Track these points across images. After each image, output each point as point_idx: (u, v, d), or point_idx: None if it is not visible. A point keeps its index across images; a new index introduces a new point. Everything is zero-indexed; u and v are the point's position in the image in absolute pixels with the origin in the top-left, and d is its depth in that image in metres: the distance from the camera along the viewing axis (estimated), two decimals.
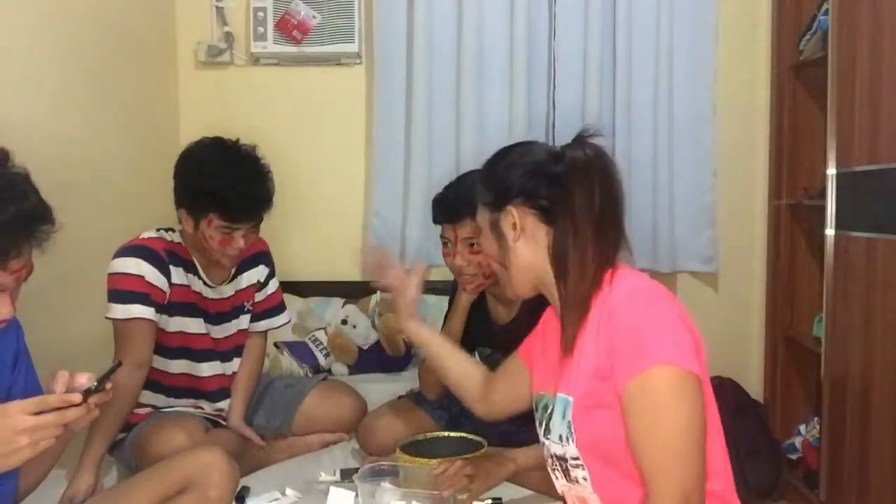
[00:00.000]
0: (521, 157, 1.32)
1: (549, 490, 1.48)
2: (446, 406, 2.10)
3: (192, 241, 1.93)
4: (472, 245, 1.82)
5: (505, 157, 1.35)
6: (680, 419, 1.08)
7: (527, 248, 1.28)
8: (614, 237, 1.25)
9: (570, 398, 1.22)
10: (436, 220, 1.91)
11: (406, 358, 2.77)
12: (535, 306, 1.63)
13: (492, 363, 2.04)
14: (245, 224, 1.88)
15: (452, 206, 1.84)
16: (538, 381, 1.38)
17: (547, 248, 1.27)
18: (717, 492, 1.21)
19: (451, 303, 2.09)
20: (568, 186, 1.24)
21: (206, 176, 1.83)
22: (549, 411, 1.29)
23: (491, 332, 2.00)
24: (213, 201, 1.82)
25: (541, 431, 1.31)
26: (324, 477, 1.88)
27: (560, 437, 1.23)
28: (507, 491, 1.70)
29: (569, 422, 1.21)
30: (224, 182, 1.81)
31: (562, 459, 1.24)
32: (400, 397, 2.21)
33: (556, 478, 1.30)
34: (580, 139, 1.28)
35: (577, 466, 1.22)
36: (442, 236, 1.90)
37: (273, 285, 2.18)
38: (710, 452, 1.16)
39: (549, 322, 1.40)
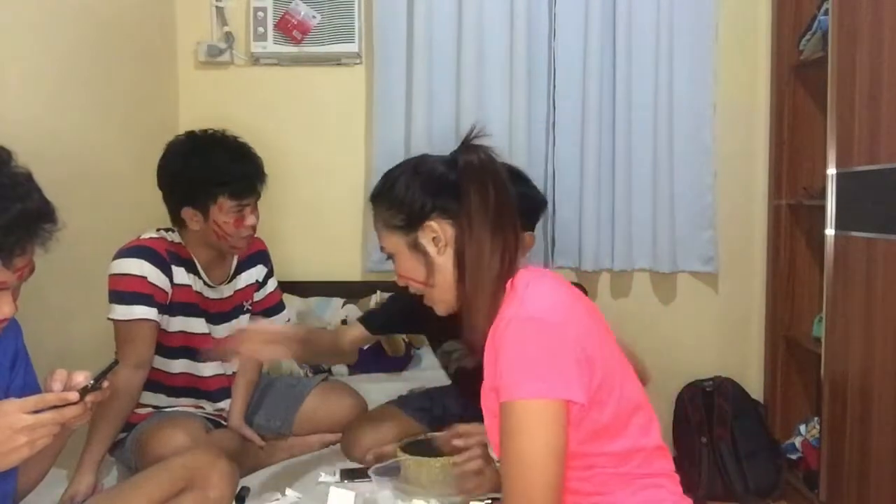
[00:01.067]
0: (420, 172, 1.32)
1: None
2: (428, 408, 2.10)
3: (197, 239, 1.94)
4: None
5: (401, 177, 1.34)
6: (529, 449, 1.13)
7: (451, 259, 1.28)
8: (512, 240, 1.27)
9: (482, 408, 1.28)
10: None
11: (406, 358, 2.77)
12: None
13: (457, 358, 2.03)
14: (251, 198, 1.91)
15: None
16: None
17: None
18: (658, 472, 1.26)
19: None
20: (464, 189, 1.25)
21: (201, 164, 1.86)
22: None
23: (456, 326, 1.96)
24: (218, 184, 1.85)
25: None
26: (324, 477, 1.88)
27: (490, 444, 1.30)
28: None
29: (486, 429, 1.28)
30: (221, 162, 1.86)
31: (497, 461, 1.28)
32: (392, 400, 2.19)
33: None
34: (468, 142, 1.30)
35: None
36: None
37: (272, 284, 2.19)
38: (631, 437, 1.23)
39: None
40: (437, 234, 1.28)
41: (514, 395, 1.14)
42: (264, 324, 2.04)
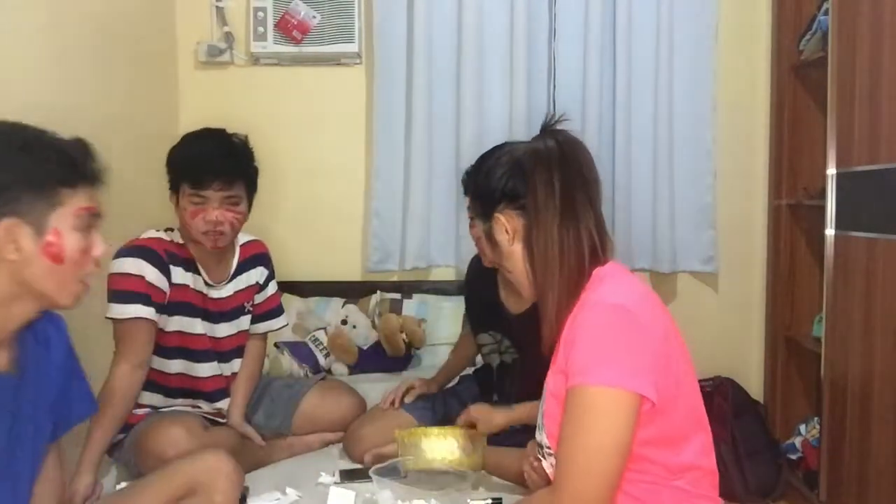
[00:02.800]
0: (498, 160, 1.33)
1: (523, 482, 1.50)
2: (429, 407, 2.11)
3: (187, 232, 1.95)
4: None
5: (484, 164, 1.37)
6: (595, 438, 1.10)
7: (524, 248, 1.28)
8: (589, 230, 1.25)
9: (545, 391, 1.26)
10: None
11: (406, 358, 2.77)
12: None
13: (492, 351, 2.07)
14: (210, 190, 1.88)
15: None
16: None
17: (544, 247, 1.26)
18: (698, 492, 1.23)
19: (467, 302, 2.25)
20: (530, 178, 1.25)
21: (179, 150, 1.94)
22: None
23: (500, 318, 2.03)
24: (181, 169, 1.90)
25: None
26: (324, 477, 1.88)
27: (539, 426, 1.28)
28: (510, 492, 1.70)
29: (543, 412, 1.25)
30: (191, 151, 1.92)
31: (540, 446, 1.28)
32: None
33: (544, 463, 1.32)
34: (544, 129, 1.31)
35: (550, 455, 1.24)
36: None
37: (272, 288, 2.19)
38: (692, 452, 1.21)
39: None
40: (506, 226, 1.29)
41: (587, 380, 1.11)
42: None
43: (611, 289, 1.20)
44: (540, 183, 1.24)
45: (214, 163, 1.89)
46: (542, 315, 1.24)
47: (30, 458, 1.23)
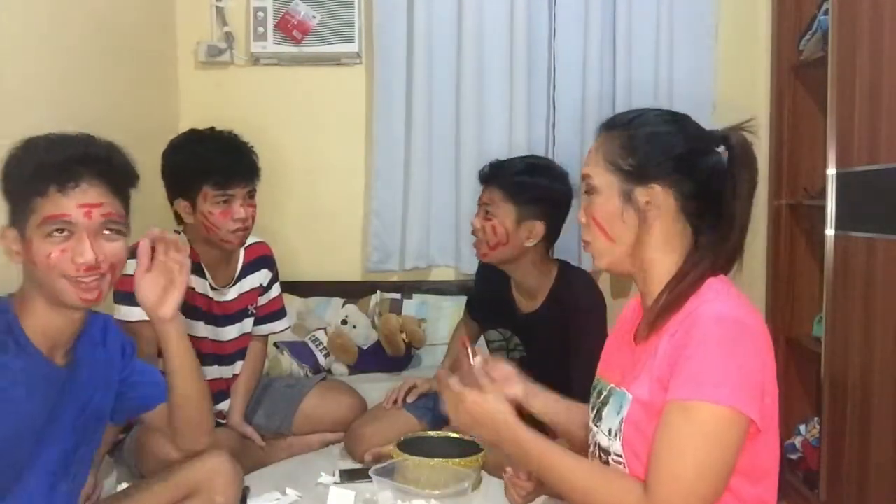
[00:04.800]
0: (678, 130, 1.23)
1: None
2: (430, 406, 2.12)
3: (196, 236, 1.94)
4: (486, 212, 1.96)
5: (653, 124, 1.24)
6: (702, 459, 1.04)
7: (652, 228, 1.18)
8: (742, 240, 1.20)
9: (630, 396, 1.17)
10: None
11: (406, 358, 2.77)
12: (557, 306, 1.93)
13: (500, 348, 2.10)
14: (236, 188, 1.90)
15: (489, 169, 2.00)
16: (601, 366, 1.33)
17: (674, 237, 1.19)
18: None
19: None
20: (737, 173, 1.18)
21: (187, 154, 1.92)
22: (601, 398, 1.24)
23: (510, 316, 2.08)
24: (200, 174, 1.89)
25: (591, 416, 1.27)
26: (324, 477, 1.88)
27: (609, 431, 1.19)
28: None
29: (622, 419, 1.16)
30: (205, 152, 1.91)
31: (605, 451, 1.20)
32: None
33: None
34: (736, 127, 1.24)
35: (618, 463, 1.17)
36: (479, 199, 2.04)
37: (275, 290, 2.19)
38: (770, 487, 1.16)
39: (631, 310, 1.34)
40: (655, 201, 1.17)
41: (701, 395, 1.04)
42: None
43: (728, 303, 1.13)
44: (738, 187, 1.17)
45: (239, 163, 1.91)
46: (662, 312, 1.16)
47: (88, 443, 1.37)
